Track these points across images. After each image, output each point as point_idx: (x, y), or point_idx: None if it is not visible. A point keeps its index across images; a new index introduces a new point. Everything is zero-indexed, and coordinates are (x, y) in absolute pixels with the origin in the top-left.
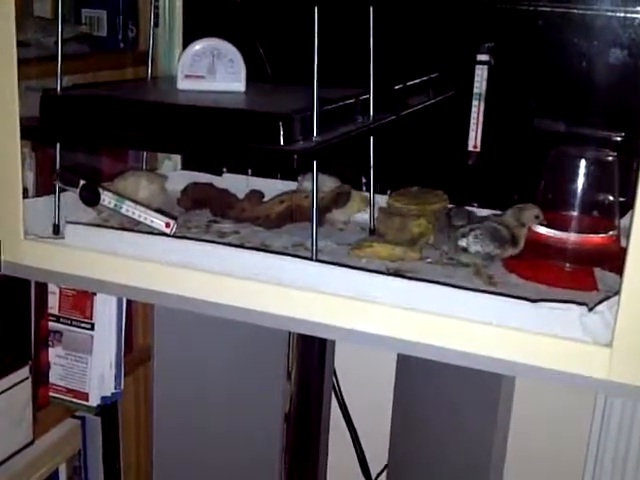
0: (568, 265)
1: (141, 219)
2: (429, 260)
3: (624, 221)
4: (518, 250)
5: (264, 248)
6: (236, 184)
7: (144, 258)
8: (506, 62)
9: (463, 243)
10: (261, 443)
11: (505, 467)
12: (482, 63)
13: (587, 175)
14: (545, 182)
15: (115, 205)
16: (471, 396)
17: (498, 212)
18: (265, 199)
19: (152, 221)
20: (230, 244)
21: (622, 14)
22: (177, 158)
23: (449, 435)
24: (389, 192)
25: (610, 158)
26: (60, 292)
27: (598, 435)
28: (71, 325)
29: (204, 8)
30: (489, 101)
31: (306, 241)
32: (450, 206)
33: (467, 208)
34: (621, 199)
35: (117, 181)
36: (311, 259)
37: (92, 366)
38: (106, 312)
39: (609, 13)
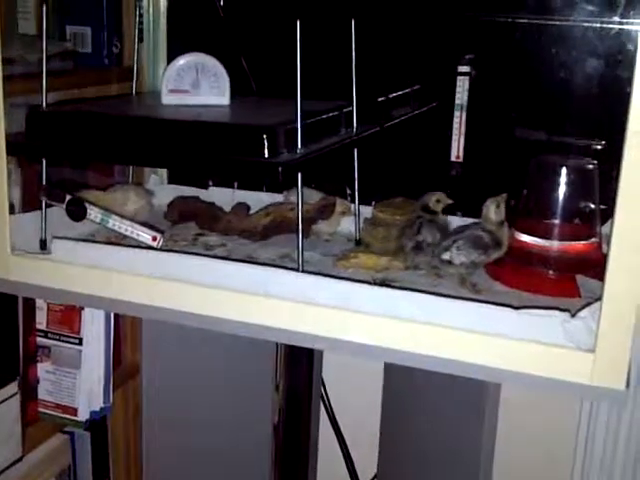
0: (551, 272)
1: (128, 233)
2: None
3: (605, 228)
4: (503, 251)
5: (250, 260)
6: (222, 197)
7: (131, 272)
8: (487, 73)
9: (447, 256)
10: (250, 454)
11: (493, 473)
12: (463, 74)
13: (568, 183)
14: (527, 191)
15: (102, 220)
16: (458, 403)
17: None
18: (251, 212)
19: (139, 235)
20: (217, 257)
21: (599, 25)
22: (163, 172)
23: (437, 443)
24: (373, 203)
25: (591, 166)
26: (48, 307)
27: (585, 438)
28: (59, 340)
29: (188, 23)
30: (471, 112)
31: (292, 252)
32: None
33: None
34: (602, 207)
35: (105, 195)
36: (297, 270)
37: (81, 381)
38: (94, 327)
39: (586, 24)
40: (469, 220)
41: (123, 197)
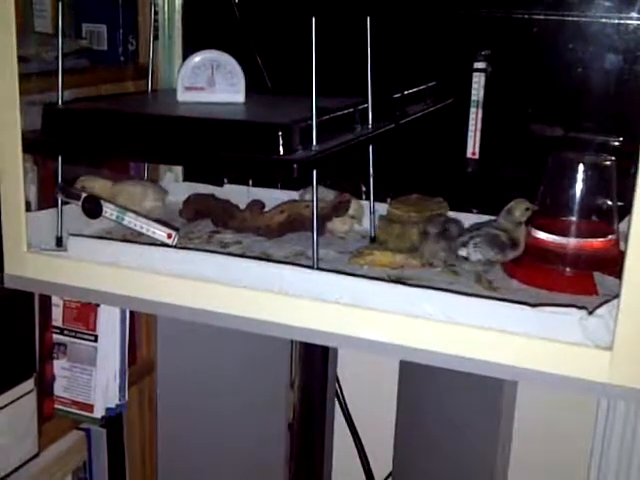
0: (568, 270)
1: (143, 230)
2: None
3: (622, 225)
4: (519, 251)
5: (265, 258)
6: (237, 195)
7: (146, 269)
8: (503, 69)
9: (464, 253)
10: (265, 452)
11: (509, 473)
12: (479, 71)
13: (585, 180)
14: (544, 187)
15: (117, 217)
16: (474, 401)
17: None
18: (266, 209)
19: (154, 232)
20: (232, 254)
21: (616, 20)
22: (178, 170)
23: (453, 441)
24: (389, 200)
25: (608, 163)
26: (64, 304)
27: (602, 438)
28: (75, 337)
29: (203, 21)
30: (487, 108)
31: (307, 250)
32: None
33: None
34: (619, 203)
35: (118, 186)
36: (312, 267)
37: (96, 378)
38: (109, 324)
39: (603, 20)
40: (484, 217)
41: (142, 193)
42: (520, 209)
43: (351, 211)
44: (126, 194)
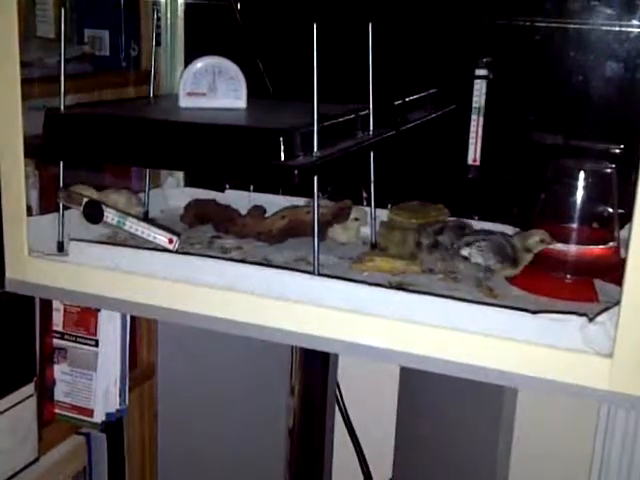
0: (568, 276)
1: (144, 235)
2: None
3: (623, 232)
4: (516, 272)
5: (266, 263)
6: (238, 200)
7: (147, 274)
8: (504, 76)
9: (465, 252)
10: (265, 457)
11: (509, 478)
12: (481, 78)
13: (586, 187)
14: (545, 194)
15: (118, 222)
16: (474, 406)
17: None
18: (267, 215)
19: (155, 237)
20: (233, 259)
21: (617, 28)
22: (180, 175)
23: (453, 447)
24: (390, 206)
25: (609, 170)
26: (64, 309)
27: (602, 445)
28: (76, 342)
29: (205, 27)
30: (488, 115)
31: (308, 256)
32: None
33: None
34: (620, 211)
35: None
36: (313, 273)
37: (97, 382)
38: (110, 328)
39: (605, 27)
40: (485, 224)
41: (113, 201)
42: (535, 238)
43: (354, 214)
44: (111, 202)
